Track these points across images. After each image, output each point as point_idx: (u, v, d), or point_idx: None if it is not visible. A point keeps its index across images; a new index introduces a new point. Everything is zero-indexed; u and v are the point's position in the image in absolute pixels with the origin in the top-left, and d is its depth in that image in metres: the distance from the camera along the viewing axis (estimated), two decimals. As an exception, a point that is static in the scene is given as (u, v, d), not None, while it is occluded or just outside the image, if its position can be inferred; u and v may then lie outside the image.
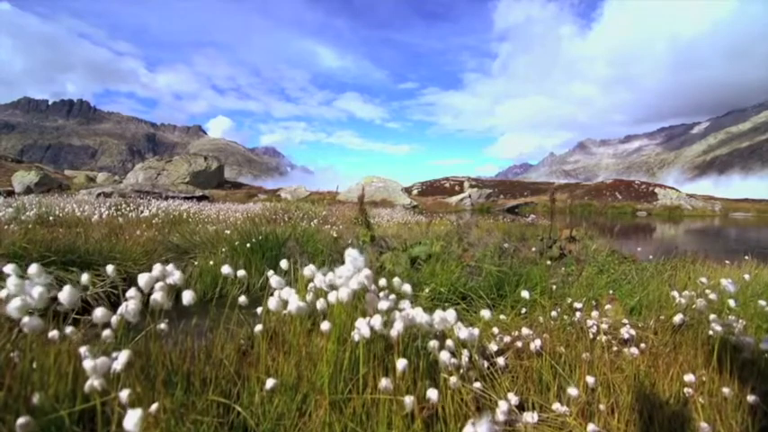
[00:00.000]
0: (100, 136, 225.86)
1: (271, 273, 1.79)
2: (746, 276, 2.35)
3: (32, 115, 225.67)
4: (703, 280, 2.01)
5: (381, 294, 1.51)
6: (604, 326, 1.96)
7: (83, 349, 1.09)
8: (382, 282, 1.58)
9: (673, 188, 31.12)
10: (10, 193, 22.85)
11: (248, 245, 3.35)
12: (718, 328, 1.44)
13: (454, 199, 28.38)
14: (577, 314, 2.03)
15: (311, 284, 1.47)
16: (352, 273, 1.23)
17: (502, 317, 2.12)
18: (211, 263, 3.18)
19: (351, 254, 1.28)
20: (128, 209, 6.08)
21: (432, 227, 7.49)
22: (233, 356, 1.38)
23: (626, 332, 1.87)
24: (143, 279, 1.20)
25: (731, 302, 1.82)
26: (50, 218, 4.32)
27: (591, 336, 1.92)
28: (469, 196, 28.59)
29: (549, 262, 5.34)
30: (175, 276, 1.25)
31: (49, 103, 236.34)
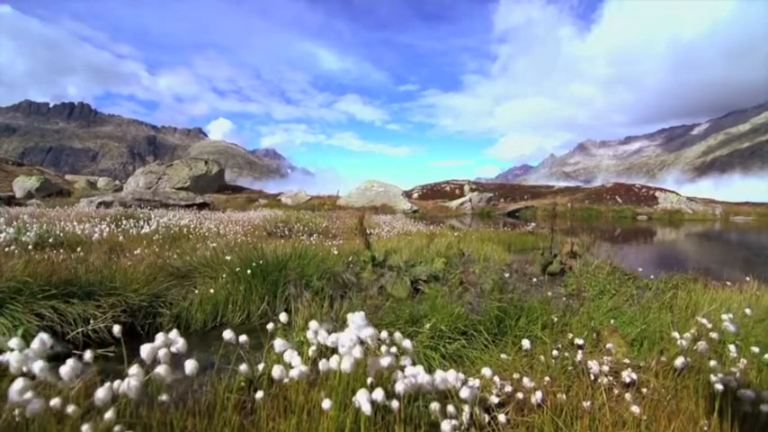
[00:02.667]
0: (101, 138, 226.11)
1: (270, 326, 1.79)
2: (748, 311, 2.35)
3: (33, 118, 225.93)
4: (704, 321, 2.01)
5: (383, 349, 1.51)
6: (605, 367, 1.96)
7: (85, 428, 1.09)
8: (384, 334, 1.58)
9: (673, 192, 31.10)
10: (11, 199, 22.83)
11: (249, 270, 3.36)
12: (720, 386, 1.44)
13: (455, 203, 28.37)
14: (579, 354, 2.03)
15: (312, 338, 1.46)
16: (355, 342, 1.23)
17: (503, 356, 2.12)
18: (212, 290, 3.18)
19: (354, 320, 1.29)
20: (128, 224, 6.09)
21: (433, 239, 7.49)
22: (234, 420, 1.37)
23: (627, 376, 1.87)
24: (145, 350, 1.20)
25: (732, 348, 1.82)
26: (50, 239, 4.33)
27: (592, 377, 1.92)
28: (470, 200, 28.59)
29: (549, 276, 5.34)
30: (179, 344, 1.25)
31: (50, 105, 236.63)
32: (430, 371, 2.13)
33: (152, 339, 3.06)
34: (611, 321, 2.83)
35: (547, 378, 1.92)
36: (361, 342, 1.31)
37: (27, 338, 2.39)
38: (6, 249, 3.85)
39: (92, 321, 2.63)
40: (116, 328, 1.40)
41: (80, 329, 2.57)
